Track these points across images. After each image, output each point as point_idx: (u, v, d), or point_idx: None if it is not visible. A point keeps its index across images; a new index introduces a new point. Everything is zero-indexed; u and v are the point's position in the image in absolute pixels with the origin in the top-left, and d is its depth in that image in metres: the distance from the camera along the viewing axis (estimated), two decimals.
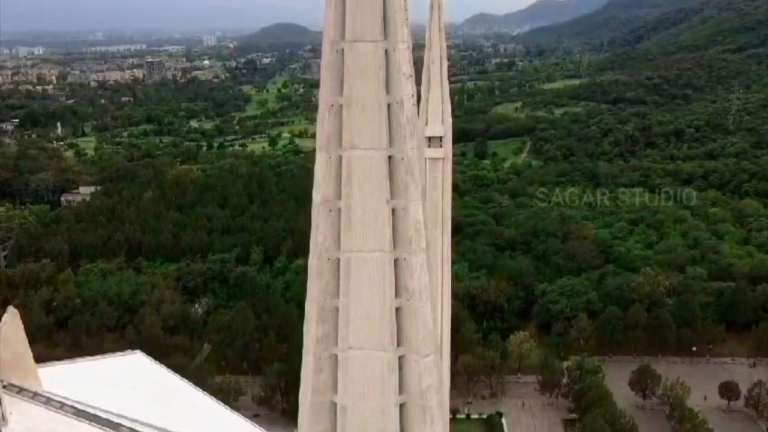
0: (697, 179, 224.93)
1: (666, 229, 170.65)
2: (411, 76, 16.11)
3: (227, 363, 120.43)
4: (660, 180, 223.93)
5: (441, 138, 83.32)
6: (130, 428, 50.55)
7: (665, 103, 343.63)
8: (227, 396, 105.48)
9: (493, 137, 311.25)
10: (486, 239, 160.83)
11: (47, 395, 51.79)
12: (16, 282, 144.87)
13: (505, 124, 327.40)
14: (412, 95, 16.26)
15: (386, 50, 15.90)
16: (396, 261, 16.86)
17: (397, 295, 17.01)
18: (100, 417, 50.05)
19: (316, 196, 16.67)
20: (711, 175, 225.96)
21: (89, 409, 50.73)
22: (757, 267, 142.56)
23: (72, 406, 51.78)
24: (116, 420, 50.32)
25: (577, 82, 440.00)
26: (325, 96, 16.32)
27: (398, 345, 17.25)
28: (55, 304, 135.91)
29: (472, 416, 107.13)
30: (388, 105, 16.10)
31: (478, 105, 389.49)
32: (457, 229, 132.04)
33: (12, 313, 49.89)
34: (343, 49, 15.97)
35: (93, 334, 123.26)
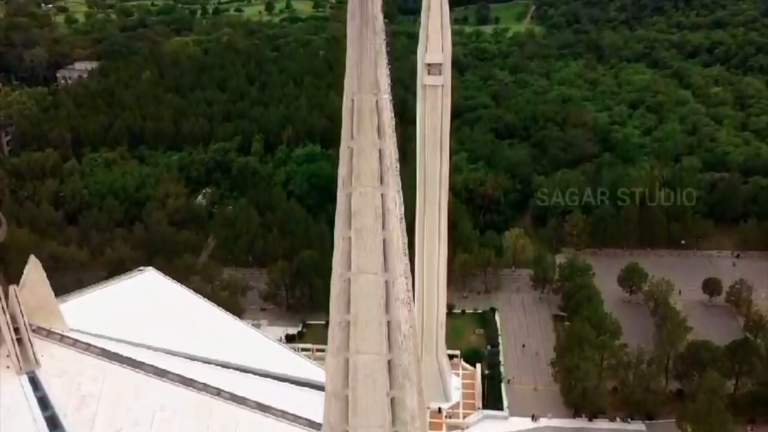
0: (702, 52, 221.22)
1: (666, 112, 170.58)
2: (408, 302, 18.15)
3: (233, 257, 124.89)
4: (665, 53, 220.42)
5: (441, 65, 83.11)
6: (152, 365, 55.13)
7: None
8: (235, 292, 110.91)
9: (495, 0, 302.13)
10: (485, 126, 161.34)
11: (74, 337, 55.74)
12: (22, 172, 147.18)
13: None
14: (409, 310, 18.33)
15: (386, 281, 17.86)
16: None
17: None
18: (125, 357, 54.28)
19: (328, 387, 19.20)
20: (717, 47, 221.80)
21: (114, 348, 54.80)
22: (752, 157, 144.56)
23: (98, 347, 55.93)
24: (140, 359, 54.54)
25: None
26: (335, 315, 18.47)
27: None
28: (62, 195, 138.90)
29: (467, 311, 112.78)
30: (388, 322, 18.28)
31: None
32: (456, 114, 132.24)
33: (34, 262, 52.99)
34: (349, 279, 17.92)
35: (102, 229, 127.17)
